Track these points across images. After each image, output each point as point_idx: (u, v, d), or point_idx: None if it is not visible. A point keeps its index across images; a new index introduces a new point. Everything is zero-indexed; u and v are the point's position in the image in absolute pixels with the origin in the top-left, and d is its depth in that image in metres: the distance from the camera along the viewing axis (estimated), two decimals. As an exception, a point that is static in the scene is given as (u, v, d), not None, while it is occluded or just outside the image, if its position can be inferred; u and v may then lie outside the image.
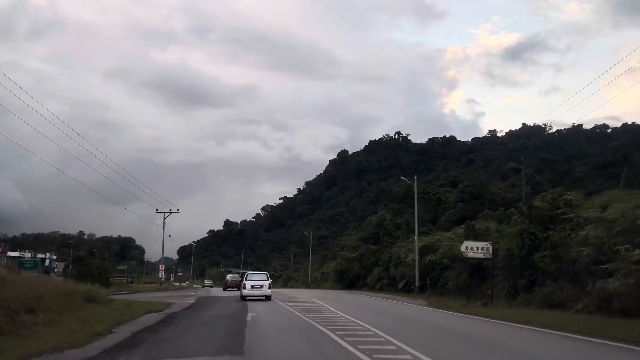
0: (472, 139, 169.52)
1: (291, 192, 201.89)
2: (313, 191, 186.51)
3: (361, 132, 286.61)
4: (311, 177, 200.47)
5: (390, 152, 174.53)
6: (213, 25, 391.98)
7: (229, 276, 55.30)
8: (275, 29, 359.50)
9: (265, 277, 28.13)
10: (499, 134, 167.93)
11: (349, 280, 55.66)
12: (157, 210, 51.46)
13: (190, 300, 27.64)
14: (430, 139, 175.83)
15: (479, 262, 26.34)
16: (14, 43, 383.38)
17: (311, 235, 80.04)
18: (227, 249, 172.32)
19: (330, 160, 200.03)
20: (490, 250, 24.66)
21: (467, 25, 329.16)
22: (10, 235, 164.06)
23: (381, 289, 43.80)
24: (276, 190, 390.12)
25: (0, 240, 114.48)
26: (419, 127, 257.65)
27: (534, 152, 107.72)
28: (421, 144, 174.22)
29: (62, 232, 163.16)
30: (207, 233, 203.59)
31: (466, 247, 25.13)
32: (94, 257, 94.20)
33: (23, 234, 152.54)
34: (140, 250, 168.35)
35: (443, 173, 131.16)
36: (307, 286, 67.60)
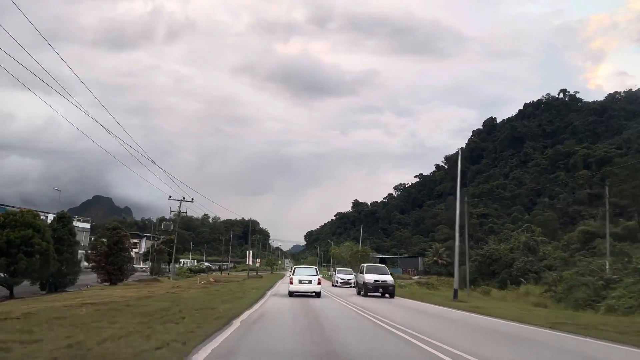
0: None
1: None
2: (455, 166, 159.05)
3: (492, 112, 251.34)
4: (436, 163, 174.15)
5: (555, 114, 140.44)
6: (332, 13, 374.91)
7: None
8: (395, 11, 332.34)
9: (315, 272, 24.18)
10: None
11: None
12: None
13: None
14: (610, 94, 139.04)
15: None
16: (155, 47, 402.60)
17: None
18: (357, 232, 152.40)
19: (473, 131, 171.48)
20: None
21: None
22: (138, 218, 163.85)
23: None
24: (400, 178, 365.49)
25: (124, 224, 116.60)
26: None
27: None
28: (598, 102, 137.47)
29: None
30: (334, 216, 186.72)
31: None
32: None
33: (145, 218, 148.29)
34: (264, 234, 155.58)
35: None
36: None
